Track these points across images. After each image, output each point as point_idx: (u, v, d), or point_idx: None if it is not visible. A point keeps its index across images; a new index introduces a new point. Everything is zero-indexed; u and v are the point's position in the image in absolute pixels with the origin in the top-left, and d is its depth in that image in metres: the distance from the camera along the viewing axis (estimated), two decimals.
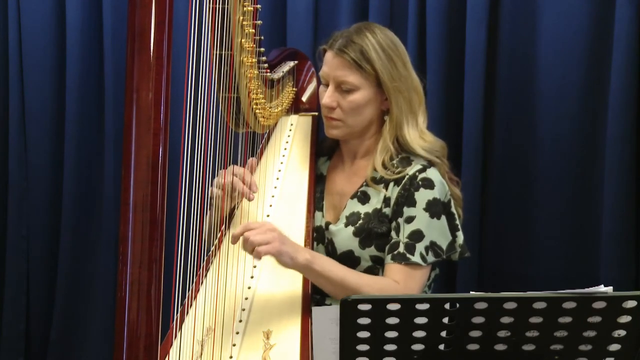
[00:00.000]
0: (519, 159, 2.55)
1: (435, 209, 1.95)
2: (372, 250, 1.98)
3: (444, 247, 1.96)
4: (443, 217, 1.96)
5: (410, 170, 1.99)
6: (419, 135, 2.03)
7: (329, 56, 2.04)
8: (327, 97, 2.03)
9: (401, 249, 1.93)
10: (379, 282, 1.92)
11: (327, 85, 2.05)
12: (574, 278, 2.46)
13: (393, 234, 1.96)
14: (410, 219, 1.95)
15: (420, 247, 1.92)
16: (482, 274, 2.57)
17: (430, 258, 1.94)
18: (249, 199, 1.97)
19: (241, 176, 1.96)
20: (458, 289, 2.56)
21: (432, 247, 1.94)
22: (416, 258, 1.92)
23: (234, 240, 1.79)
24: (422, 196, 1.95)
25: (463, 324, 1.33)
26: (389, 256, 1.94)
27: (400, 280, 1.91)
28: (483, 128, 2.54)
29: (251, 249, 1.77)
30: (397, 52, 2.02)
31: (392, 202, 1.98)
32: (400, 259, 1.92)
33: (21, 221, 3.02)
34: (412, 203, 1.95)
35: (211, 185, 1.92)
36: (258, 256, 1.78)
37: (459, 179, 2.12)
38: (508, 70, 2.54)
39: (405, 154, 2.04)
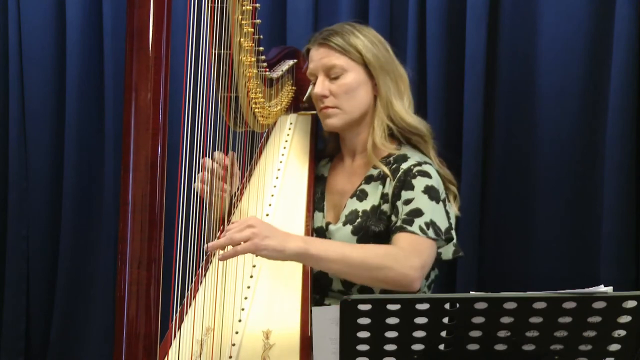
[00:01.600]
0: (519, 159, 2.55)
1: (434, 193, 1.94)
2: None
3: (443, 228, 1.92)
4: (441, 203, 1.95)
5: (405, 165, 1.99)
6: (407, 113, 2.06)
7: (313, 51, 2.09)
8: (318, 86, 2.05)
9: (399, 223, 1.91)
10: (382, 249, 1.86)
11: (315, 83, 2.07)
12: (574, 278, 2.46)
13: (392, 217, 1.95)
14: (408, 201, 1.93)
15: (419, 221, 1.89)
16: (482, 274, 2.57)
17: (431, 233, 1.89)
18: (233, 173, 1.95)
19: (220, 161, 1.92)
20: (458, 290, 2.55)
21: (432, 225, 1.90)
22: (414, 228, 1.88)
23: (220, 255, 1.68)
24: (420, 182, 1.95)
25: (463, 324, 1.32)
26: (390, 233, 1.93)
27: (407, 246, 1.85)
28: (483, 128, 2.54)
29: (231, 251, 1.66)
30: (380, 39, 2.08)
31: (390, 195, 1.98)
32: (399, 229, 1.89)
33: (21, 221, 3.02)
34: (410, 187, 1.95)
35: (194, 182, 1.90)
36: (235, 255, 1.67)
37: (451, 169, 2.10)
38: (508, 70, 2.54)
39: (402, 142, 2.04)
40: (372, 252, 1.81)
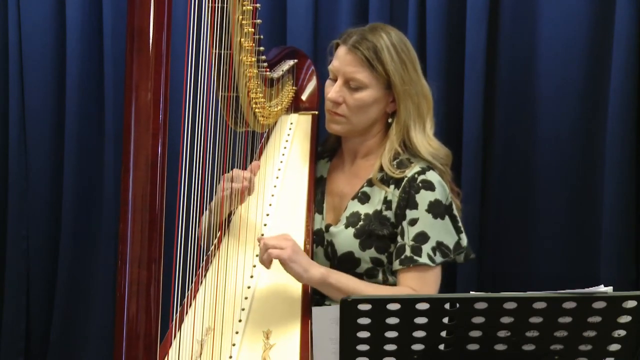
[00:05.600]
0: (519, 159, 2.55)
1: (438, 209, 1.95)
2: (372, 252, 1.97)
3: (451, 246, 1.95)
4: (447, 217, 1.96)
5: (409, 173, 1.98)
6: (427, 141, 2.02)
7: (341, 51, 2.03)
8: (334, 91, 2.01)
9: (407, 252, 1.92)
10: (396, 291, 1.92)
11: (334, 80, 2.04)
12: (574, 278, 2.46)
13: (398, 238, 1.95)
14: (413, 222, 1.94)
15: (426, 248, 1.92)
16: (482, 274, 2.57)
17: (439, 258, 1.93)
18: (249, 193, 1.97)
19: (242, 179, 1.95)
20: (458, 290, 2.56)
21: (439, 247, 1.93)
22: (424, 259, 1.91)
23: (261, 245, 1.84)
24: (423, 198, 1.95)
25: (463, 324, 1.33)
26: (397, 261, 1.94)
27: (416, 287, 1.91)
28: (483, 128, 2.54)
29: (264, 249, 1.80)
30: (410, 56, 2.02)
31: (394, 205, 1.97)
32: (408, 262, 1.91)
33: (21, 221, 3.02)
34: (414, 205, 1.95)
35: (212, 185, 1.91)
36: (269, 259, 1.80)
37: (460, 190, 2.09)
38: (508, 70, 2.54)
39: (409, 155, 2.03)
40: (385, 293, 1.90)
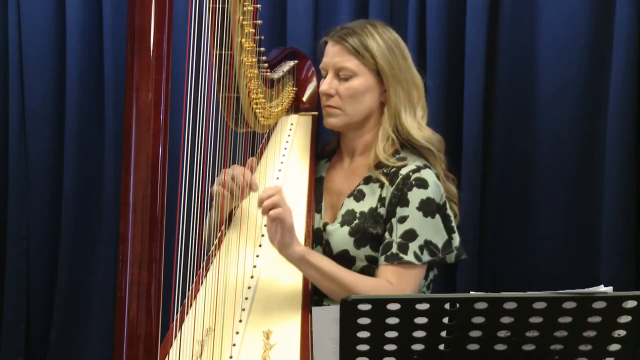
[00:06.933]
0: (518, 159, 2.55)
1: (429, 208, 1.94)
2: (367, 250, 1.97)
3: (440, 245, 1.95)
4: (438, 216, 1.95)
5: (404, 171, 1.98)
6: (417, 127, 2.04)
7: (329, 46, 2.07)
8: (326, 83, 2.04)
9: (394, 249, 1.92)
10: (372, 282, 1.92)
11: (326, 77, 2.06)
12: (574, 278, 2.46)
13: (387, 234, 1.95)
14: (403, 219, 1.94)
15: (413, 246, 1.91)
16: (482, 274, 2.57)
17: (426, 257, 1.93)
18: (253, 190, 1.97)
19: (241, 175, 1.96)
20: (458, 290, 2.55)
21: (427, 245, 1.93)
22: (410, 257, 1.90)
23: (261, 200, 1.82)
24: (415, 196, 1.94)
25: (463, 324, 1.33)
26: (382, 257, 1.93)
27: (394, 281, 1.90)
28: (483, 128, 2.54)
29: (270, 206, 1.80)
30: (398, 45, 2.05)
31: (387, 202, 1.98)
32: (393, 259, 1.91)
33: (21, 221, 3.02)
34: (405, 203, 1.94)
35: (212, 185, 1.92)
36: (266, 213, 1.80)
37: (455, 177, 2.11)
38: (508, 70, 2.54)
39: (403, 150, 2.03)
40: (362, 282, 1.90)
